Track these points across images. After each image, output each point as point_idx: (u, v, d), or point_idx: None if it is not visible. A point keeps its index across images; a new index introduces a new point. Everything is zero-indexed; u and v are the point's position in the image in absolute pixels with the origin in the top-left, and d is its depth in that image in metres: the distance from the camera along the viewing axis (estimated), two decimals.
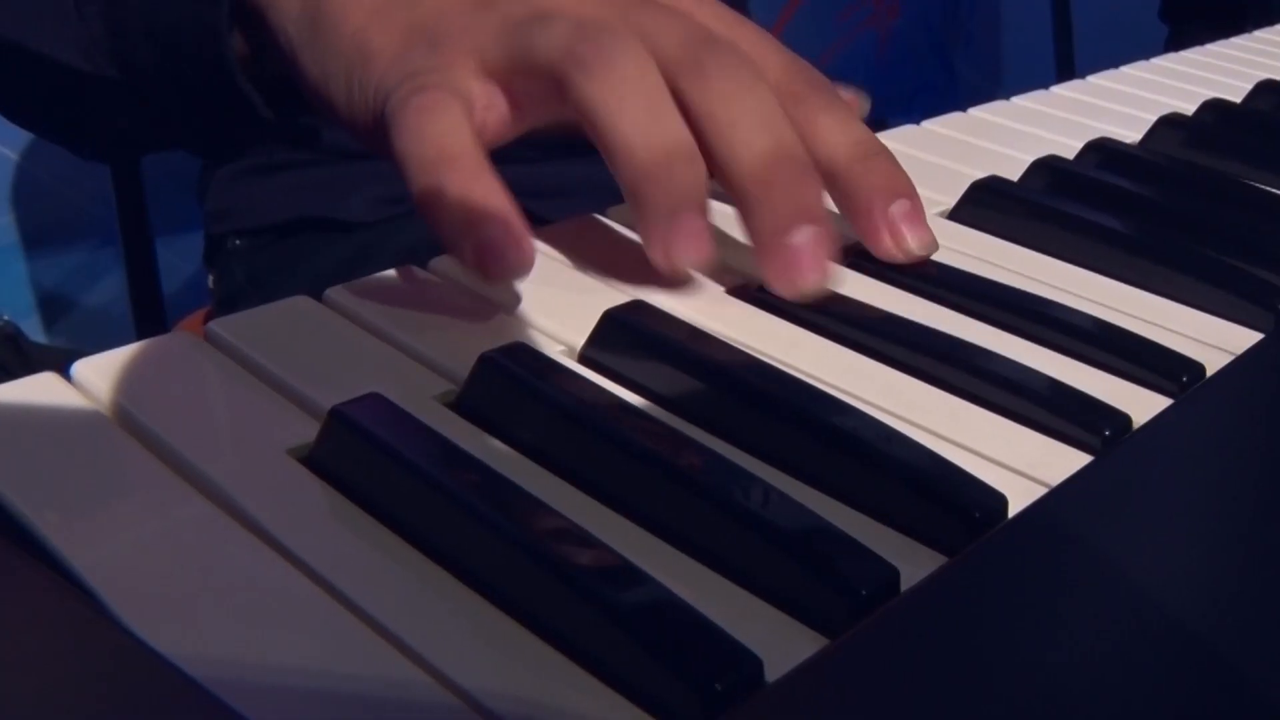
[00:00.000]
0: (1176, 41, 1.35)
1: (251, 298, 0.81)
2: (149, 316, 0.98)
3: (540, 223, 0.40)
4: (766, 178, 0.36)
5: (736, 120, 0.37)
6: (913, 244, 0.40)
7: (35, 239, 1.36)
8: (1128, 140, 0.56)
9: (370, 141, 0.41)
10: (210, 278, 0.88)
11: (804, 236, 0.36)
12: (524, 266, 0.35)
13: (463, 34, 0.38)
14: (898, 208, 0.40)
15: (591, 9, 0.38)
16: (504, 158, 0.75)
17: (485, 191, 0.35)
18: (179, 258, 1.21)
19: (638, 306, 0.36)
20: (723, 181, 0.38)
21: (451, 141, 0.36)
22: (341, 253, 0.76)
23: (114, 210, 0.97)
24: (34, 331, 1.34)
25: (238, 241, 0.81)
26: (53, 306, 1.36)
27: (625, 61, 0.35)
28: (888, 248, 0.40)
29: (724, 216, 0.44)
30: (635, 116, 0.35)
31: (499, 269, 0.34)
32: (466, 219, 0.34)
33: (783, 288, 0.37)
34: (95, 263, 1.35)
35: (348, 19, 0.40)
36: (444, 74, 0.38)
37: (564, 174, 0.77)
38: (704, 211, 0.36)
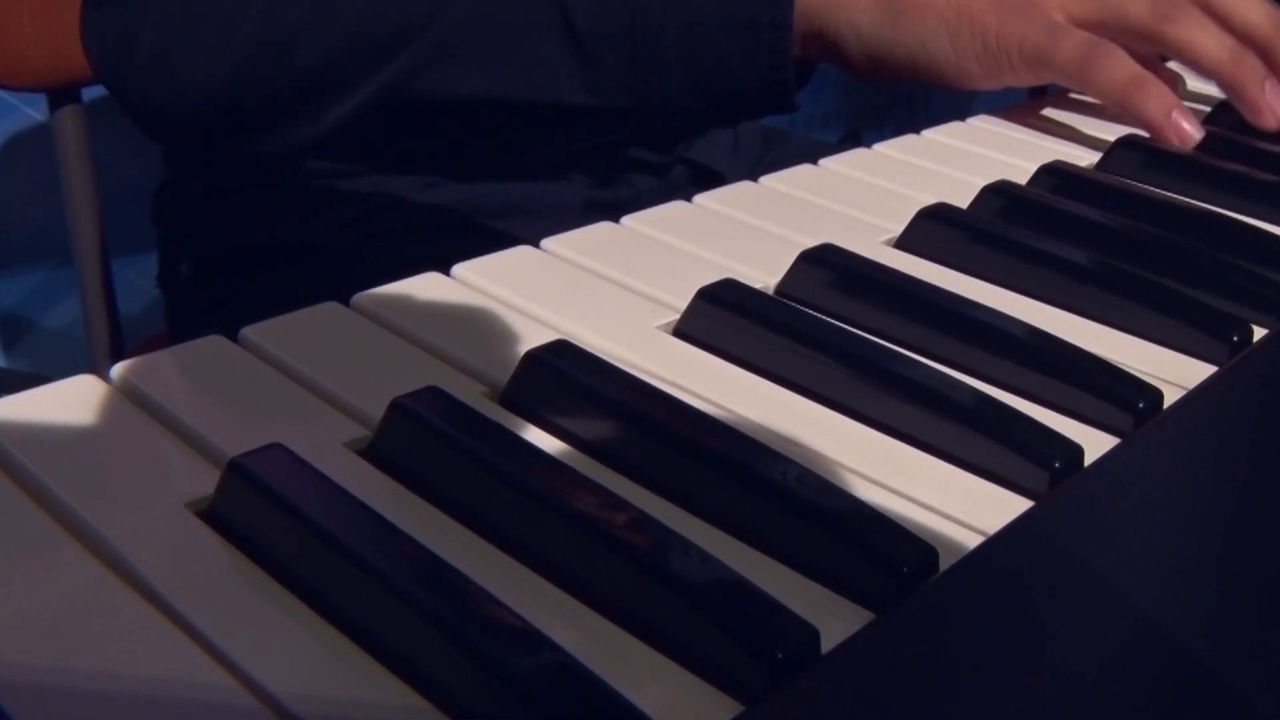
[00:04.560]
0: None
1: (205, 323, 0.79)
2: (106, 339, 0.96)
3: (504, 241, 0.42)
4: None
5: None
6: None
7: None
8: (1085, 163, 0.55)
9: (979, 76, 0.57)
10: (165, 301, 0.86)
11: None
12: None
13: None
14: None
15: None
16: (468, 176, 0.73)
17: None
18: (142, 278, 1.19)
19: (561, 347, 0.34)
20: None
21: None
22: (293, 280, 0.74)
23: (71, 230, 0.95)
24: None
25: (188, 266, 0.80)
26: (12, 328, 1.34)
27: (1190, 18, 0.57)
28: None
29: (653, 244, 0.43)
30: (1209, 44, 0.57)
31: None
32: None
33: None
34: (55, 283, 1.33)
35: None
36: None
37: (526, 193, 0.75)
38: None
